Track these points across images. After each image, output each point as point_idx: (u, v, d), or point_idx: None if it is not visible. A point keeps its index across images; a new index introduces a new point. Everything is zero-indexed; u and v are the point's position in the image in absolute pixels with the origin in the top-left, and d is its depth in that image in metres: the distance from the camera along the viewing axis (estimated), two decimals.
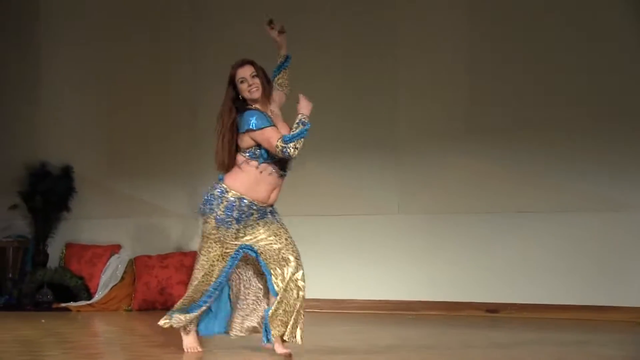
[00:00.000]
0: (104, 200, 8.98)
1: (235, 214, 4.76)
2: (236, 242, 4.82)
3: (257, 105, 4.88)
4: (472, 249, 7.67)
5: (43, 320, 7.18)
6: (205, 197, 4.85)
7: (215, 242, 4.83)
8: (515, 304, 7.44)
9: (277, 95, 5.10)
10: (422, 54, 7.98)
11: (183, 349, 5.05)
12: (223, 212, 4.76)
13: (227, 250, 4.84)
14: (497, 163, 7.68)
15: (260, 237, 4.83)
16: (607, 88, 7.37)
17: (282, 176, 4.88)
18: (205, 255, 4.89)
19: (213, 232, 4.81)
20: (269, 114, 4.87)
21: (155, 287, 8.35)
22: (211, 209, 4.79)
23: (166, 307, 8.21)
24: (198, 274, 4.94)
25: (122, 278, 8.44)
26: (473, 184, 7.74)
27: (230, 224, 4.77)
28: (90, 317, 7.66)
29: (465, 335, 6.24)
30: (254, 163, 4.80)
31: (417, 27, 8.03)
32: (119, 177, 8.97)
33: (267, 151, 4.77)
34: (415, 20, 8.04)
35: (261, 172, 4.81)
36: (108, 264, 8.61)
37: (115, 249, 8.75)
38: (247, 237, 4.82)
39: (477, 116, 7.74)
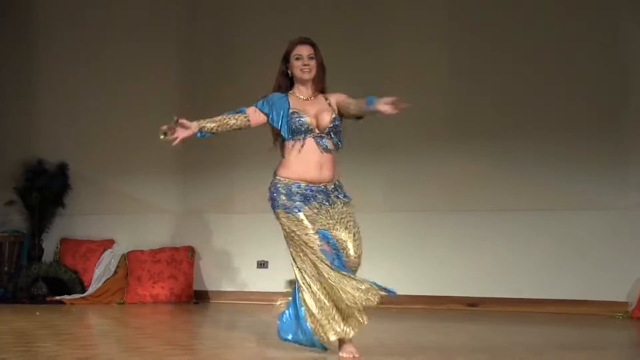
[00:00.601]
0: (98, 196, 8.96)
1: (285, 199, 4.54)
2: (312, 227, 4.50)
3: (303, 88, 4.65)
4: (454, 245, 7.69)
5: (38, 313, 7.16)
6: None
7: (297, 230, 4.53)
8: (494, 298, 7.47)
9: (342, 100, 4.66)
10: (408, 56, 7.97)
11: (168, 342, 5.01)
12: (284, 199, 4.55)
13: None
14: (480, 163, 7.69)
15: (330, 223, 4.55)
16: (584, 92, 7.40)
17: (326, 150, 4.55)
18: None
19: (286, 222, 4.55)
20: (310, 98, 4.64)
21: (147, 281, 8.34)
22: (272, 201, 4.62)
23: (157, 301, 8.24)
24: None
25: (115, 272, 8.43)
26: (455, 183, 7.75)
27: (291, 209, 4.52)
28: (83, 310, 7.65)
29: (446, 328, 6.26)
30: (286, 143, 4.59)
31: (404, 28, 8.02)
32: (113, 175, 8.94)
33: (286, 129, 4.58)
34: (403, 22, 8.04)
35: (297, 150, 4.55)
36: (101, 258, 8.60)
37: (108, 244, 8.74)
38: (320, 222, 4.52)
39: (462, 117, 7.75)
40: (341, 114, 4.63)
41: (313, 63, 4.62)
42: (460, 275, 7.62)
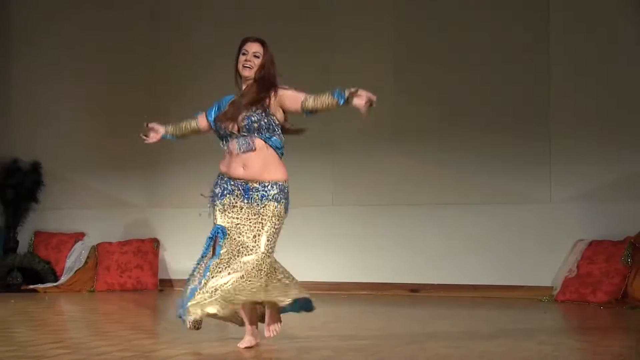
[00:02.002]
0: (69, 192, 8.90)
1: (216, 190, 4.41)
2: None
3: (245, 85, 4.39)
4: (397, 236, 7.73)
5: (13, 301, 7.09)
6: None
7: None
8: (433, 284, 7.52)
9: (289, 96, 4.39)
10: (352, 59, 7.95)
11: (133, 327, 4.99)
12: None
13: None
14: (420, 160, 7.73)
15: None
16: (514, 97, 7.46)
17: (247, 151, 4.31)
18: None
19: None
20: (243, 93, 4.37)
21: (116, 270, 8.31)
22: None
23: (125, 289, 8.20)
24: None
25: (86, 262, 8.38)
26: (398, 179, 7.79)
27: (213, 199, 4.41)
28: (56, 298, 7.59)
29: (391, 312, 6.32)
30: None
31: (348, 32, 8.02)
32: (83, 172, 8.89)
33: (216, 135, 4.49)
34: (347, 26, 8.03)
35: (227, 153, 4.41)
36: (72, 249, 8.54)
37: (79, 236, 8.69)
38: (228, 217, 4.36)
39: (403, 117, 7.77)
40: (285, 110, 4.38)
41: (256, 61, 4.36)
42: (402, 263, 7.66)
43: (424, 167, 7.72)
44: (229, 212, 4.34)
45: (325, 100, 4.34)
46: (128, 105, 8.73)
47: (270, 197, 4.28)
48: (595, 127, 7.19)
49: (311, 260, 7.87)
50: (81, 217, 8.79)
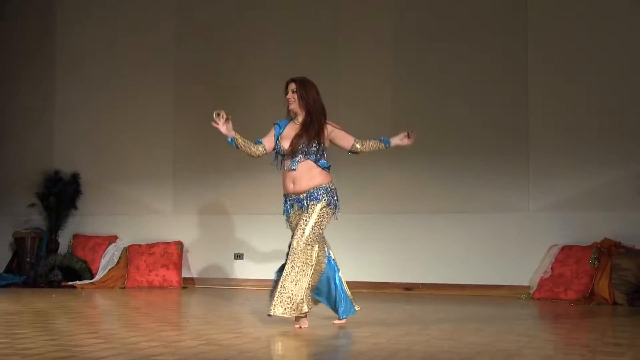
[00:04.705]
0: (105, 200, 8.91)
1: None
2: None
3: (296, 116, 4.81)
4: (394, 240, 7.71)
5: (54, 295, 7.11)
6: None
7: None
8: (426, 283, 7.51)
9: (341, 136, 4.87)
10: (356, 83, 7.97)
11: (160, 320, 4.99)
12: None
13: None
14: (414, 174, 7.71)
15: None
16: (496, 116, 7.46)
17: (292, 169, 4.72)
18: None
19: None
20: (297, 122, 4.79)
21: (144, 269, 8.31)
22: None
23: (152, 286, 8.20)
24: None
25: (118, 262, 8.38)
26: (395, 191, 7.78)
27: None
28: (91, 293, 7.59)
29: (386, 308, 6.31)
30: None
31: (354, 61, 8.01)
32: (117, 182, 8.90)
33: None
34: (350, 52, 8.02)
35: (281, 168, 4.83)
36: (106, 250, 8.54)
37: (112, 239, 8.70)
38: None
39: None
40: (334, 144, 4.85)
41: (295, 96, 4.75)
42: (398, 264, 7.65)
43: (417, 180, 7.71)
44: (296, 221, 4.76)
45: (372, 144, 4.93)
46: (158, 121, 8.76)
47: (315, 198, 4.68)
48: (569, 144, 7.18)
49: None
50: (114, 222, 8.80)
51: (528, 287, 7.04)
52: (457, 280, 7.39)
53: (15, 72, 9.39)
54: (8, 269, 8.79)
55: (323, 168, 4.76)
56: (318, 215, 4.66)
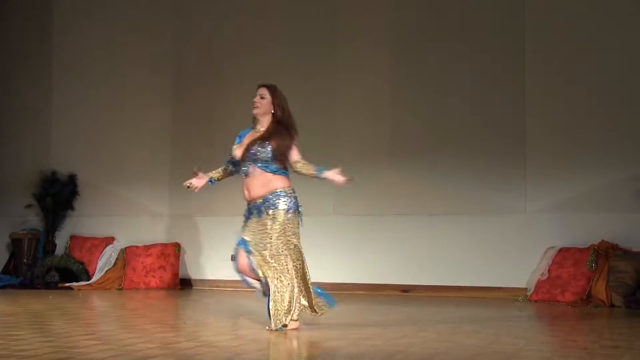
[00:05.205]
0: (102, 201, 8.91)
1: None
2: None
3: (258, 122, 4.77)
4: (392, 242, 7.70)
5: (50, 297, 7.10)
6: None
7: None
8: (423, 285, 7.50)
9: (294, 152, 4.74)
10: (358, 89, 7.97)
11: (157, 321, 5.00)
12: None
13: None
14: (413, 176, 7.70)
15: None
16: (495, 120, 7.46)
17: (246, 175, 4.73)
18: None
19: None
20: (257, 130, 4.76)
21: (141, 271, 8.31)
22: None
23: (149, 287, 8.19)
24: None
25: (115, 263, 8.38)
26: (394, 192, 7.76)
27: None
28: (88, 295, 7.59)
29: (383, 310, 6.32)
30: None
31: (354, 66, 8.00)
32: (114, 183, 8.90)
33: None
34: (353, 59, 8.01)
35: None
36: (104, 252, 8.54)
37: (109, 240, 8.70)
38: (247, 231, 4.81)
39: (399, 137, 7.77)
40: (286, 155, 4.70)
41: (262, 101, 4.71)
42: (396, 266, 7.64)
43: (415, 182, 7.70)
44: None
45: (309, 169, 4.75)
46: (153, 122, 8.77)
47: (273, 204, 4.65)
48: (567, 145, 7.19)
49: (313, 263, 7.83)
50: (111, 223, 8.80)
51: (525, 289, 7.03)
52: (455, 282, 7.38)
53: (13, 72, 9.39)
54: (5, 270, 8.78)
55: (277, 173, 4.69)
56: (281, 225, 4.62)
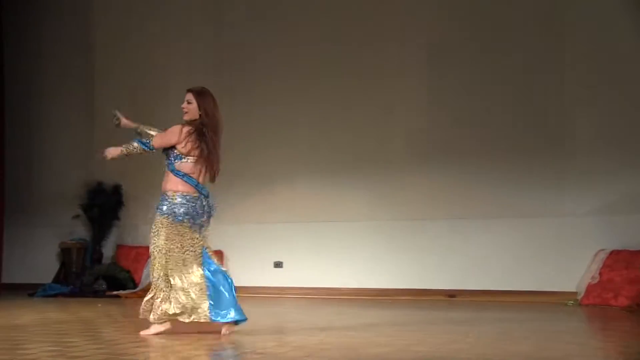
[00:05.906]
0: (146, 210, 8.91)
1: None
2: None
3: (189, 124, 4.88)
4: (435, 247, 7.67)
5: (99, 305, 7.22)
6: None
7: None
8: (469, 290, 7.45)
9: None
10: (396, 94, 7.97)
11: (198, 330, 5.04)
12: None
13: None
14: (454, 178, 7.67)
15: None
16: (535, 123, 7.41)
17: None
18: None
19: None
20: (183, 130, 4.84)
21: None
22: None
23: None
24: None
25: None
26: (435, 195, 7.73)
27: None
28: (135, 302, 7.65)
29: (429, 315, 6.28)
30: None
31: (393, 70, 8.00)
32: (157, 193, 8.95)
33: None
34: (392, 63, 8.02)
35: None
36: (149, 260, 8.61)
37: None
38: None
39: (435, 142, 7.75)
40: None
41: (188, 107, 4.91)
42: (440, 271, 7.60)
43: (463, 186, 7.65)
44: None
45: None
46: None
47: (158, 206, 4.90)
48: (613, 146, 7.11)
49: (358, 269, 7.87)
50: None
51: (575, 293, 6.95)
52: (501, 287, 7.32)
53: (57, 88, 9.54)
54: (56, 279, 8.96)
55: (176, 175, 4.88)
56: (154, 225, 4.85)
